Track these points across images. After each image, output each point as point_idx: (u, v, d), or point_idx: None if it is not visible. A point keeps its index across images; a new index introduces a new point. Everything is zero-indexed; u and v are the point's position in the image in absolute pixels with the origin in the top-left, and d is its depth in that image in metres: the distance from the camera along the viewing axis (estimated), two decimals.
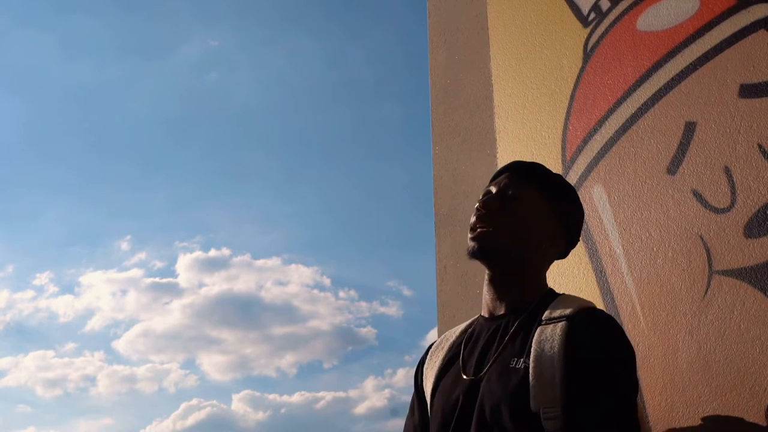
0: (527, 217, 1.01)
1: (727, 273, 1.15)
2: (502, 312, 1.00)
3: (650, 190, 1.31)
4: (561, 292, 1.05)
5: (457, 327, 1.11)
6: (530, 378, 0.87)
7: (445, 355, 1.04)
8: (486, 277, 1.04)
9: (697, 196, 1.23)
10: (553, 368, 0.87)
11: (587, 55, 1.51)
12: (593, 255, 1.37)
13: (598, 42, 1.50)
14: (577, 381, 0.86)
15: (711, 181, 1.21)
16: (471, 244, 1.01)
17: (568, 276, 1.40)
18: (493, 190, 1.06)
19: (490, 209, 1.01)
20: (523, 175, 1.06)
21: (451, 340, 1.07)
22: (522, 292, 1.00)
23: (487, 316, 1.03)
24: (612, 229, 1.34)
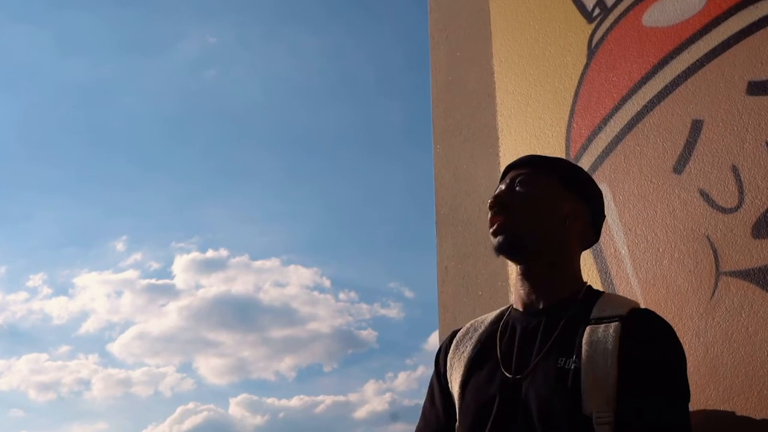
0: (541, 194, 0.99)
1: (734, 274, 1.13)
2: (540, 307, 0.97)
3: (656, 189, 1.29)
4: (601, 290, 1.02)
5: (484, 317, 1.06)
6: (582, 379, 0.84)
7: (475, 346, 1.00)
8: (518, 270, 1.00)
9: (704, 195, 1.21)
10: (607, 370, 0.84)
11: (592, 52, 1.50)
12: (597, 256, 1.36)
13: (602, 38, 1.49)
14: (632, 385, 0.83)
15: (718, 181, 1.20)
16: (494, 240, 0.98)
17: None
18: (502, 187, 1.04)
19: (502, 200, 0.99)
20: (526, 163, 1.04)
21: (480, 330, 1.02)
22: (558, 285, 0.97)
23: (521, 309, 0.99)
24: (617, 229, 1.33)
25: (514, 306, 1.02)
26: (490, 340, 0.99)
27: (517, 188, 1.00)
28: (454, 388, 0.99)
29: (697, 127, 1.26)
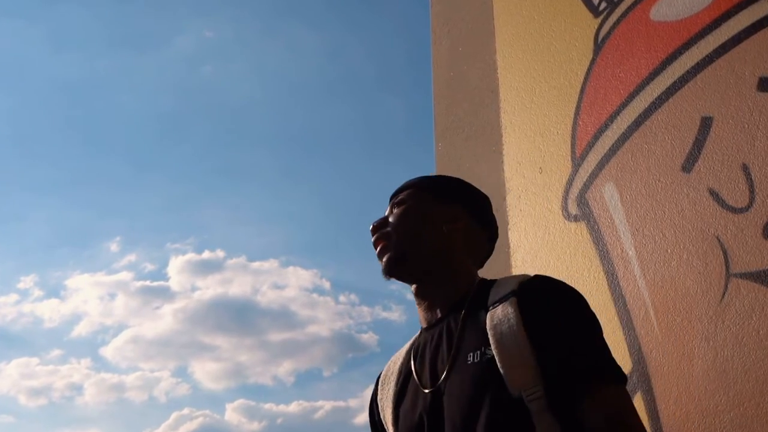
0: (414, 209, 1.01)
1: (745, 276, 1.12)
2: (439, 316, 0.97)
3: (664, 188, 1.28)
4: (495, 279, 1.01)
5: (400, 350, 1.07)
6: (499, 365, 0.83)
7: (397, 380, 1.00)
8: (412, 290, 1.02)
9: (714, 195, 1.20)
10: (519, 347, 0.83)
11: (598, 47, 1.48)
12: (604, 257, 1.34)
13: (609, 33, 1.47)
14: (548, 350, 0.82)
15: (728, 180, 1.19)
16: (381, 264, 1.01)
17: (578, 279, 1.37)
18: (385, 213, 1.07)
19: (377, 226, 1.02)
20: (399, 189, 1.07)
21: (399, 362, 1.03)
22: (451, 292, 0.97)
23: (426, 326, 1.00)
24: (624, 229, 1.32)
25: (421, 327, 1.02)
26: (407, 367, 1.00)
27: (394, 210, 1.03)
28: (390, 426, 0.99)
29: (706, 124, 1.24)
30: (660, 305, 1.21)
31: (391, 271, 0.98)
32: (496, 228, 1.06)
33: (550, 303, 0.86)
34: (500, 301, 0.89)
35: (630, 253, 1.29)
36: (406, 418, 0.94)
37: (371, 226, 1.03)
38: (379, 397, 1.03)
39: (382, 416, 1.01)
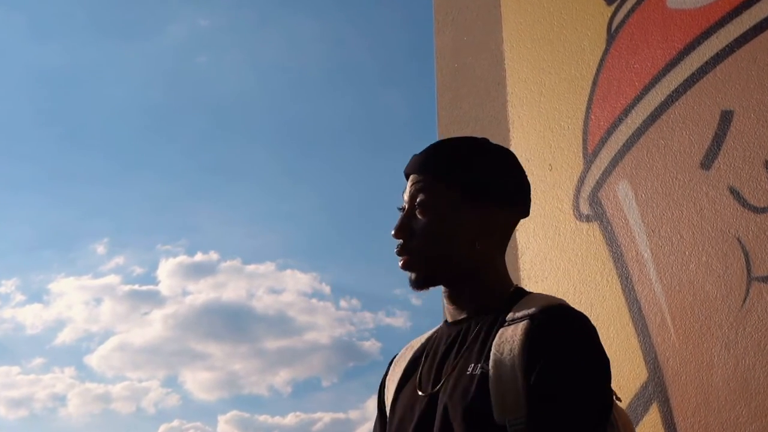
0: (439, 221, 0.96)
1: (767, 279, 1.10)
2: (463, 316, 0.96)
3: (682, 186, 1.26)
4: (531, 291, 0.99)
5: (424, 334, 1.07)
6: (490, 382, 0.82)
7: (407, 365, 1.01)
8: (443, 289, 1.00)
9: (735, 193, 1.18)
10: (514, 373, 0.82)
11: (611, 36, 1.46)
12: (618, 259, 1.32)
13: (623, 21, 1.45)
14: (538, 389, 0.81)
15: (750, 177, 1.17)
16: (407, 275, 0.98)
17: (590, 283, 1.35)
18: (405, 205, 1.02)
19: (402, 235, 0.97)
20: (425, 166, 1.00)
21: (415, 348, 1.04)
22: (481, 294, 0.95)
23: (450, 320, 0.99)
24: (639, 230, 1.30)
25: (445, 319, 1.02)
26: (419, 358, 1.00)
27: (418, 212, 0.97)
28: (387, 409, 1.00)
29: (726, 118, 1.22)
30: (677, 311, 1.20)
31: (419, 289, 0.96)
32: (530, 193, 1.00)
33: (557, 340, 0.84)
34: (515, 321, 0.87)
35: (645, 255, 1.28)
36: (399, 412, 0.94)
37: (393, 232, 0.99)
38: (388, 378, 1.03)
39: (385, 396, 1.02)
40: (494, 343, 0.85)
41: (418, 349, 1.01)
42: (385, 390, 1.02)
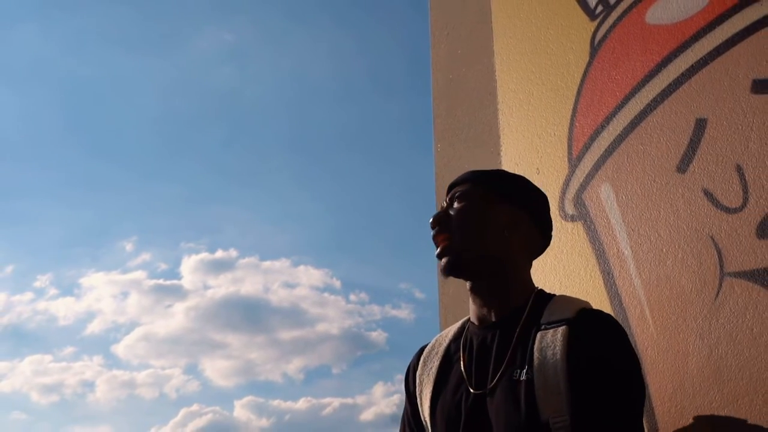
0: (477, 207, 1.01)
1: (738, 275, 1.12)
2: (492, 320, 0.98)
3: (659, 189, 1.28)
4: (552, 293, 1.02)
5: (447, 330, 1.08)
6: (536, 388, 0.86)
7: (441, 362, 1.02)
8: (468, 285, 1.02)
9: (708, 195, 1.20)
10: (557, 376, 0.85)
11: (594, 50, 1.48)
12: (600, 256, 1.34)
13: (605, 36, 1.47)
14: (582, 389, 0.84)
15: (722, 180, 1.19)
16: (440, 263, 1.01)
17: (575, 278, 1.37)
18: (443, 204, 1.07)
19: (440, 221, 1.02)
20: (464, 179, 1.06)
21: (444, 344, 1.05)
22: (508, 296, 0.98)
23: (477, 323, 1.01)
24: (620, 229, 1.32)
25: (471, 320, 1.03)
26: (453, 355, 1.01)
27: (455, 204, 1.02)
28: (425, 404, 1.01)
29: (701, 125, 1.25)
30: (655, 303, 1.22)
31: (451, 273, 0.99)
32: (552, 228, 1.07)
33: (599, 345, 0.87)
34: (553, 324, 0.90)
35: (626, 252, 1.30)
36: (446, 409, 0.95)
37: (431, 220, 1.02)
38: (418, 372, 1.04)
39: (418, 391, 1.03)
40: (535, 347, 0.88)
41: (448, 347, 1.02)
42: (418, 383, 1.03)
